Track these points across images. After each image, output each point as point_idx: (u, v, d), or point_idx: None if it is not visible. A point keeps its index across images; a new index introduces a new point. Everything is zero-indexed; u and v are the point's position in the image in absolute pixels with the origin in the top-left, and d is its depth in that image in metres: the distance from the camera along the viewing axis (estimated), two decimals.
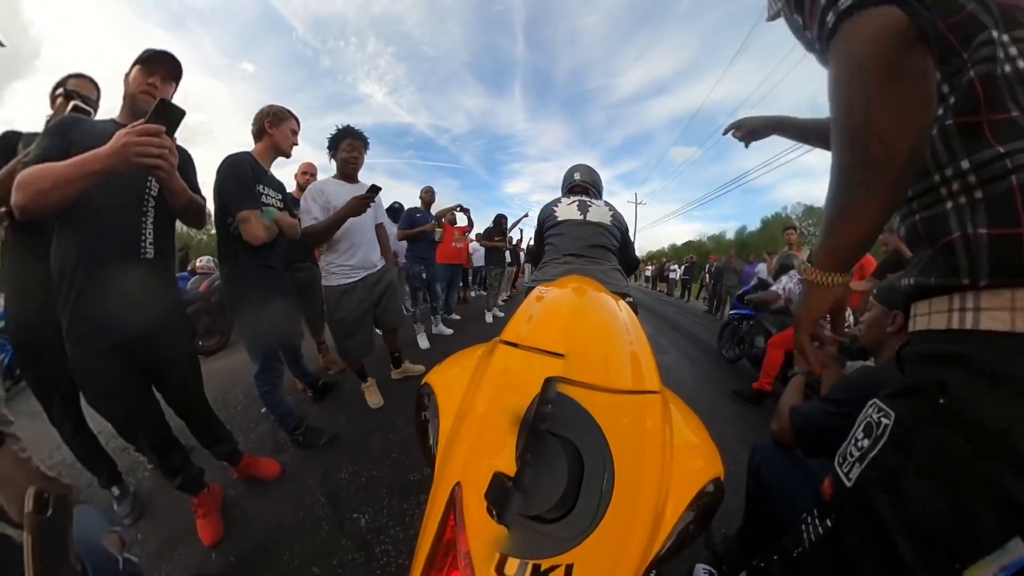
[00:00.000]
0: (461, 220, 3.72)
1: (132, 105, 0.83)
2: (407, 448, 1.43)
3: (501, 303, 4.99)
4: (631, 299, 0.96)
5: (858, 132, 0.32)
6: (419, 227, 2.86)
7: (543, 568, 0.33)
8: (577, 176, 1.33)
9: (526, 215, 5.14)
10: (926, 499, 0.33)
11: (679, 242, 51.03)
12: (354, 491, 1.18)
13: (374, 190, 1.33)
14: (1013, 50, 0.34)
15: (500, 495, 0.31)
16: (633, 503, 0.37)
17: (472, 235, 5.05)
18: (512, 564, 0.33)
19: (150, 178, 0.84)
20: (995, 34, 0.34)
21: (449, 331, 3.30)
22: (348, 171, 1.50)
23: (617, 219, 1.23)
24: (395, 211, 3.56)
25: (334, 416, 1.65)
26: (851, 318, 2.30)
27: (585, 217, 1.17)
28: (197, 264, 3.31)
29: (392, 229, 3.60)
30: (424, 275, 2.92)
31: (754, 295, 3.21)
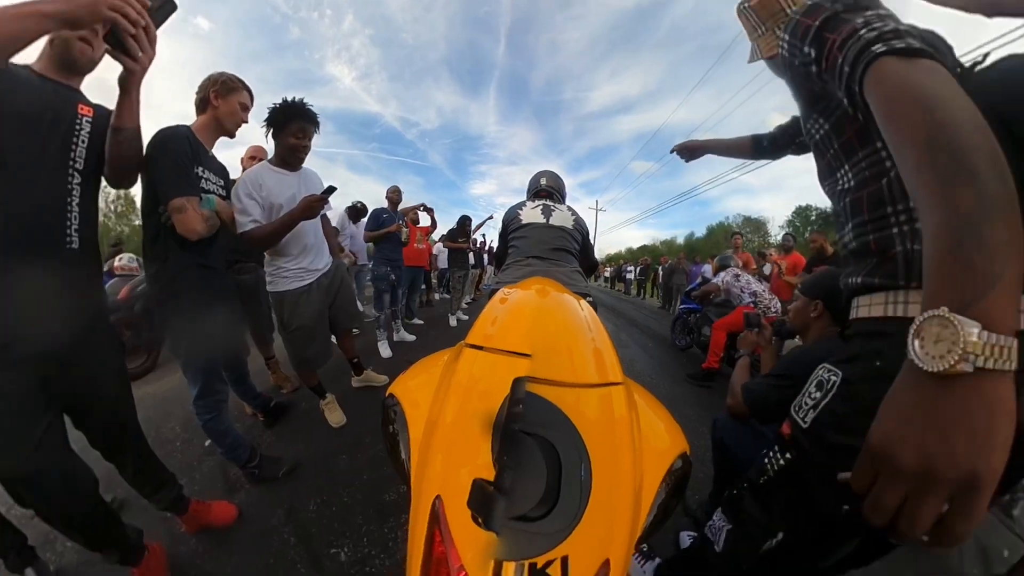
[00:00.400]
0: (424, 220, 3.62)
1: None
2: (378, 466, 1.34)
3: (465, 306, 4.86)
4: (591, 299, 1.01)
5: (955, 134, 0.30)
6: (386, 228, 2.74)
7: (539, 566, 0.33)
8: (543, 181, 1.35)
9: (491, 217, 5.11)
10: (865, 433, 0.38)
11: (635, 246, 55.76)
12: (327, 523, 1.07)
13: (329, 191, 1.12)
14: None
15: (483, 501, 0.30)
16: (613, 488, 0.38)
17: (436, 236, 4.90)
18: (508, 568, 0.32)
19: (76, 138, 0.63)
20: None
21: (411, 337, 3.16)
22: (293, 160, 1.21)
23: (579, 223, 1.26)
24: (356, 211, 3.31)
25: (292, 441, 1.49)
26: (777, 304, 2.66)
27: (548, 221, 1.19)
28: (116, 264, 2.48)
29: (352, 229, 3.41)
30: (392, 276, 2.78)
31: (697, 290, 3.56)
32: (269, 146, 1.22)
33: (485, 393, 0.44)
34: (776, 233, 33.70)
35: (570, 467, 0.38)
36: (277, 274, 1.26)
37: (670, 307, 8.29)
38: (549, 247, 1.14)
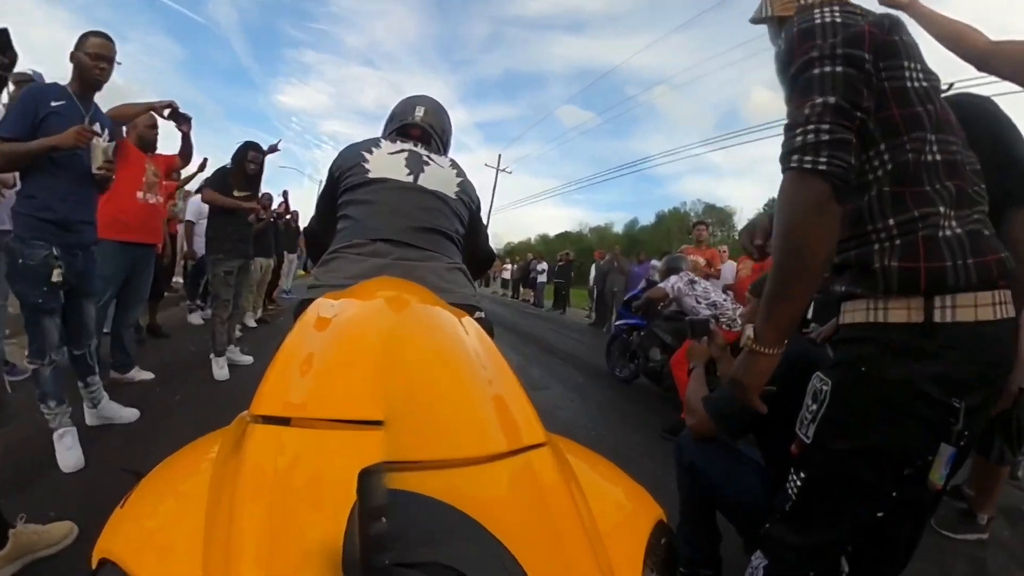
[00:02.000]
0: (171, 144, 2.62)
1: None
2: None
3: (240, 334, 3.96)
4: (482, 314, 1.05)
5: (799, 247, 0.77)
6: (51, 140, 1.71)
7: None
8: (418, 114, 1.35)
9: (276, 148, 3.68)
10: (867, 433, 0.77)
11: (552, 232, 59.74)
12: None
13: None
14: (935, 147, 0.79)
15: None
16: None
17: (187, 174, 4.11)
18: None
19: None
20: (929, 135, 0.79)
21: (127, 415, 2.30)
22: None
23: (466, 190, 1.29)
24: None
25: None
26: (730, 306, 3.31)
27: (417, 180, 1.20)
28: None
29: None
30: (54, 265, 1.82)
31: (640, 299, 4.12)
32: None
33: (309, 506, 0.42)
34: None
35: None
36: None
37: (605, 324, 9.36)
38: (413, 225, 1.14)
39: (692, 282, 3.58)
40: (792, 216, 0.78)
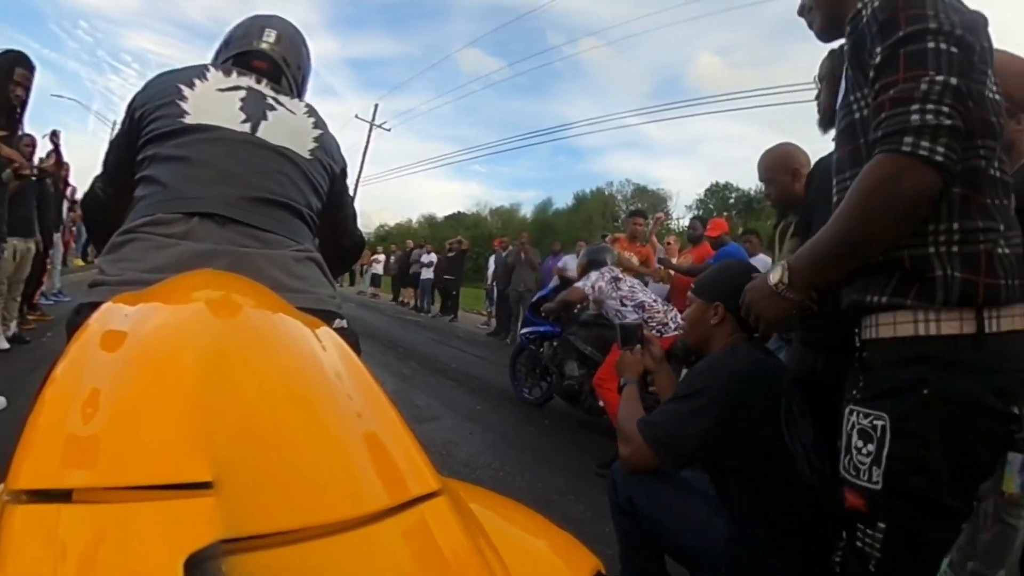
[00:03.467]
0: None
1: None
2: None
3: None
4: (345, 323, 1.05)
5: (879, 233, 0.95)
6: None
7: None
8: (267, 40, 1.34)
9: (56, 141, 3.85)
10: (941, 460, 0.92)
11: (441, 213, 59.89)
12: None
13: None
14: (997, 163, 0.98)
15: None
16: None
17: None
18: None
19: None
20: (998, 147, 0.98)
21: None
22: None
23: (328, 149, 1.28)
24: None
25: None
26: (677, 318, 3.55)
27: (256, 131, 1.17)
28: None
29: None
30: None
31: (552, 301, 4.23)
32: None
33: None
34: (682, 215, 43.34)
35: None
36: None
37: (508, 334, 9.53)
38: (248, 195, 1.11)
39: (616, 280, 3.78)
40: (890, 204, 0.92)
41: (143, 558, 0.40)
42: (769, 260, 3.55)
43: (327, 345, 0.70)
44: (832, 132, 1.75)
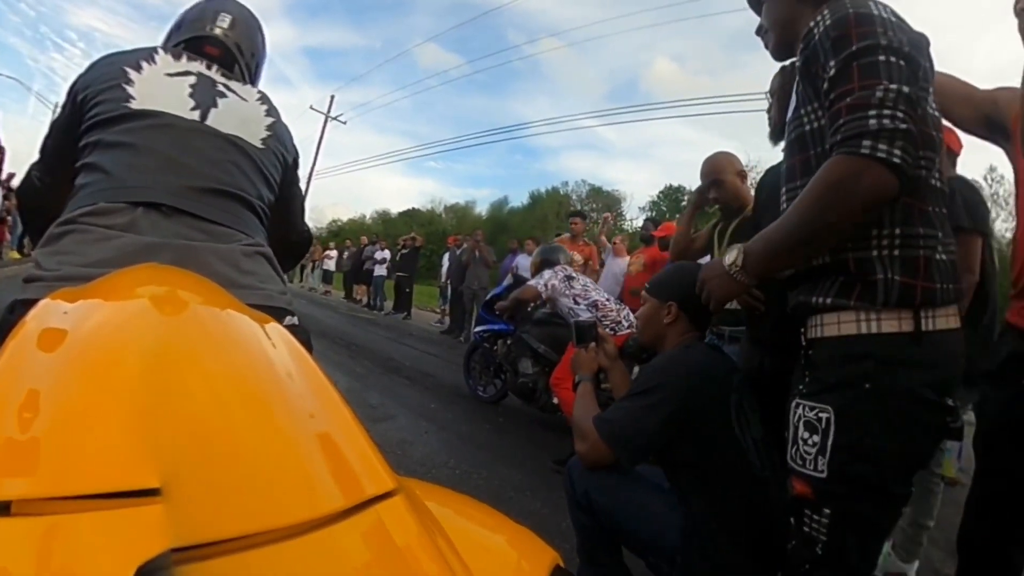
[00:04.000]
0: None
1: None
2: None
3: None
4: (296, 320, 1.04)
5: (833, 226, 1.01)
6: None
7: None
8: (221, 25, 1.31)
9: None
10: (883, 449, 1.01)
11: (396, 209, 59.41)
12: None
13: None
14: (936, 173, 1.07)
15: None
16: None
17: None
18: None
19: None
20: (937, 159, 1.06)
21: None
22: None
23: (281, 138, 1.26)
24: None
25: None
26: (630, 316, 3.63)
27: (205, 118, 1.15)
28: None
29: None
30: None
31: (506, 299, 4.27)
32: None
33: None
34: (636, 216, 45.03)
35: None
36: None
37: (463, 331, 9.53)
38: (196, 184, 1.09)
39: (569, 278, 3.83)
40: (848, 199, 0.98)
41: (90, 572, 0.39)
42: None
43: (277, 343, 0.69)
44: (782, 144, 1.86)
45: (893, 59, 0.98)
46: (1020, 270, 1.51)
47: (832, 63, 1.03)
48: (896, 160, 0.94)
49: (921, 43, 1.06)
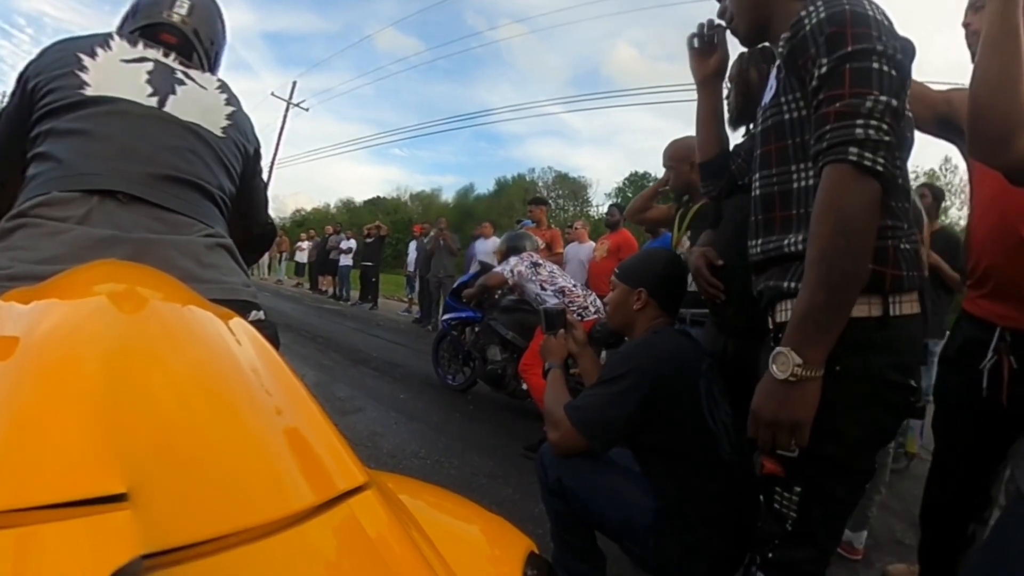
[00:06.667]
0: None
1: None
2: None
3: None
4: (262, 314, 1.04)
5: (860, 250, 0.99)
6: None
7: None
8: (179, 11, 1.27)
9: None
10: (851, 428, 1.06)
11: (360, 198, 59.33)
12: None
13: None
14: (904, 172, 1.15)
15: None
16: None
17: None
18: None
19: None
20: (905, 158, 1.15)
21: None
22: None
23: (241, 127, 1.24)
24: None
25: None
26: (596, 302, 3.67)
27: (163, 105, 1.13)
28: None
29: None
30: None
31: (472, 286, 4.27)
32: None
33: None
34: (601, 203, 46.06)
35: None
36: None
37: (430, 320, 9.50)
38: (154, 172, 1.07)
39: (536, 264, 3.86)
40: (855, 215, 0.98)
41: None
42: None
43: (242, 339, 0.68)
44: (741, 130, 1.86)
45: (886, 68, 1.00)
46: (976, 262, 1.58)
47: (824, 60, 1.04)
48: (880, 168, 0.98)
49: (908, 50, 1.09)
